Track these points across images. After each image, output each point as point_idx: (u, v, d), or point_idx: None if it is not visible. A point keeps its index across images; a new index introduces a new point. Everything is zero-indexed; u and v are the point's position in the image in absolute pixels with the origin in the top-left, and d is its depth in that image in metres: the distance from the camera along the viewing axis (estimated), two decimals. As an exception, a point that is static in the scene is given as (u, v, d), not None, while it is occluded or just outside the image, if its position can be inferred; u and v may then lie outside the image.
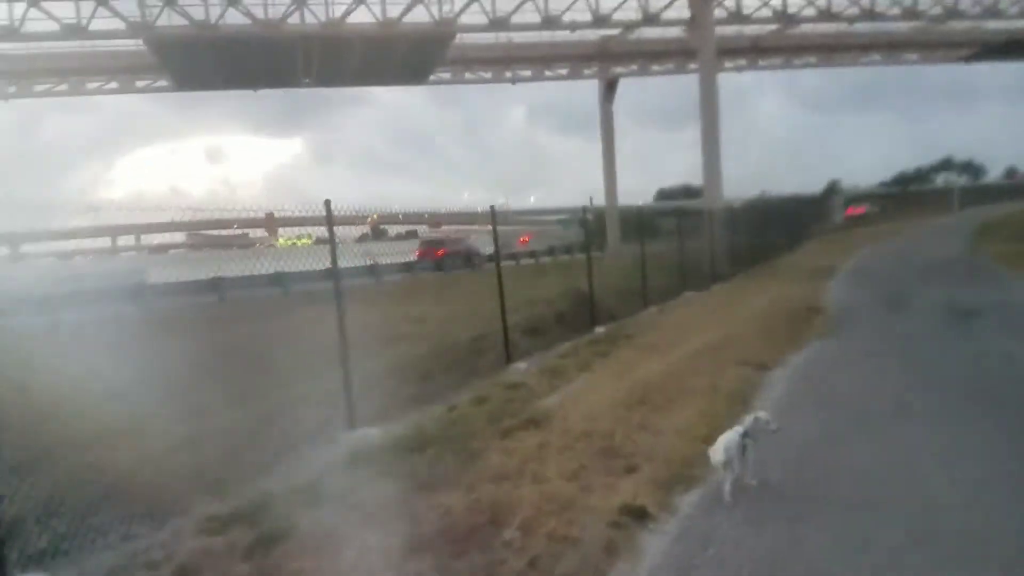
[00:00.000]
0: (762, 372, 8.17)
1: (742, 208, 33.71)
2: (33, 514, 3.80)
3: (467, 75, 32.51)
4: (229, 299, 19.78)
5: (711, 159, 24.30)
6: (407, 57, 25.86)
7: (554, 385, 7.88)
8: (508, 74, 32.61)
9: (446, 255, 27.11)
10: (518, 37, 28.88)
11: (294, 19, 24.07)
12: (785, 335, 10.57)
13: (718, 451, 4.34)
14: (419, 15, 23.50)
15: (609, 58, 31.60)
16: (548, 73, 33.31)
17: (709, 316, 13.29)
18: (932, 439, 5.47)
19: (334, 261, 6.33)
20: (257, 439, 5.50)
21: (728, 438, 4.43)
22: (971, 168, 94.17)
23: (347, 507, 4.11)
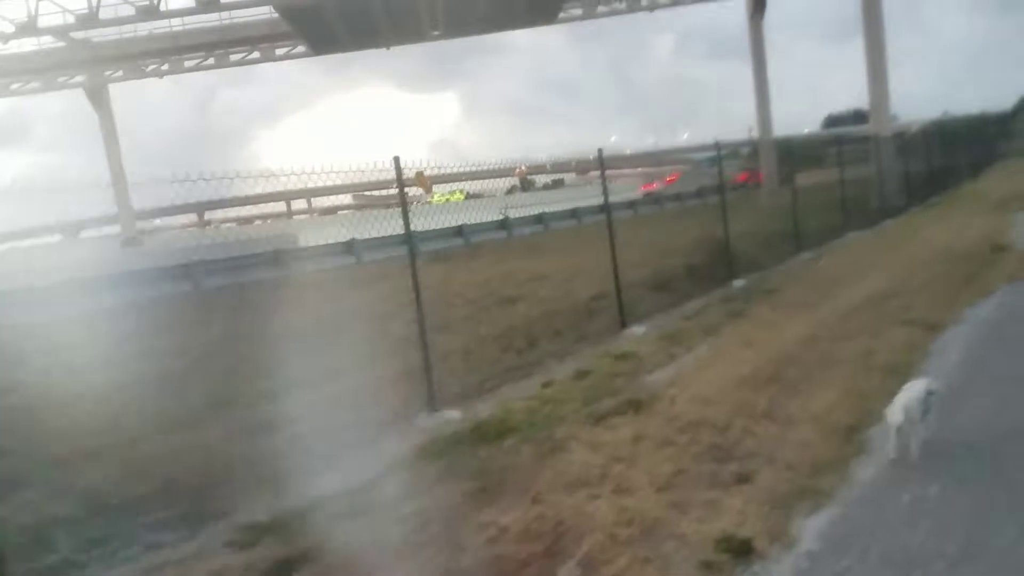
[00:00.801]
0: (932, 334, 6.69)
1: (919, 132, 29.72)
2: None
3: (600, 7, 30.52)
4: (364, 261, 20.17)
5: (877, 77, 21.13)
6: (535, -2, 24.70)
7: (671, 354, 6.90)
8: (644, 1, 30.26)
9: None
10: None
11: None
12: (964, 281, 8.81)
13: (896, 411, 3.91)
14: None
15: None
16: (679, -5, 30.56)
17: (872, 260, 11.50)
18: None
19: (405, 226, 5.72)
20: (332, 425, 5.12)
21: (909, 395, 3.98)
22: None
23: (390, 521, 3.57)
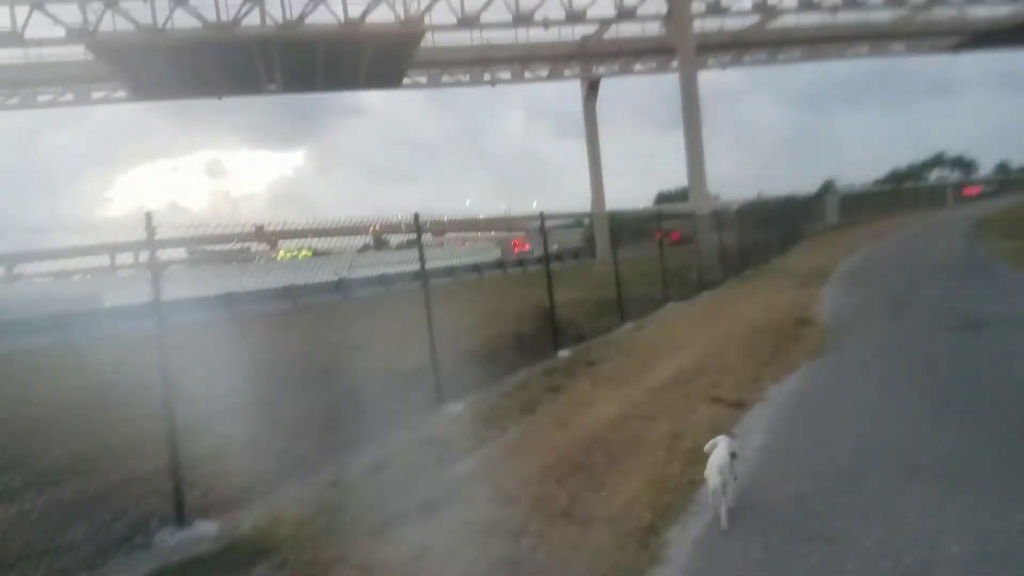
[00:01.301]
0: (738, 413, 6.72)
1: (736, 210, 32.43)
2: None
3: (444, 78, 31.00)
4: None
5: (695, 160, 22.83)
6: (376, 59, 24.39)
7: (481, 439, 6.42)
8: (487, 76, 31.14)
9: None
10: (497, 38, 27.57)
11: (252, 20, 22.69)
12: (770, 356, 9.14)
13: (713, 476, 4.20)
14: (383, 14, 22.12)
15: (588, 57, 30.01)
16: (528, 75, 31.76)
17: (689, 333, 11.85)
18: (957, 519, 3.99)
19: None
20: (43, 545, 4.05)
21: (720, 458, 4.31)
22: (963, 163, 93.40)
23: None
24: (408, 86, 30.38)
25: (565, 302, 14.76)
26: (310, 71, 25.68)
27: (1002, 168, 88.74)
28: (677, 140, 23.31)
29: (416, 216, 7.69)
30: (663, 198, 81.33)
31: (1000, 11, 31.35)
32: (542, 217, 10.82)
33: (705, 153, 23.34)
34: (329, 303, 22.08)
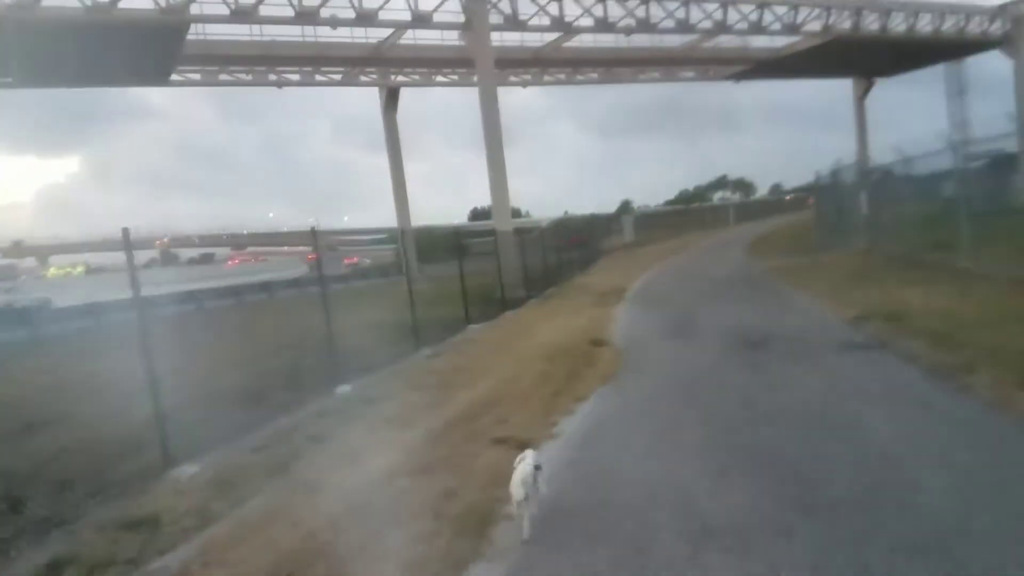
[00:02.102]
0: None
1: (541, 229, 32.90)
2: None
3: (223, 76, 28.12)
4: None
5: (497, 176, 22.52)
6: (135, 51, 21.31)
7: (206, 517, 5.02)
8: (272, 76, 28.79)
9: None
10: (284, 36, 25.48)
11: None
12: (564, 383, 8.54)
13: (517, 488, 4.27)
14: (142, 1, 19.29)
15: (386, 63, 28.79)
16: (320, 78, 29.88)
17: (484, 359, 11.06)
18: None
19: None
20: None
21: (524, 471, 4.33)
22: (743, 185, 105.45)
23: None
24: (178, 83, 27.25)
25: (355, 326, 13.46)
26: (57, 62, 21.93)
27: (776, 189, 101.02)
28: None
29: (126, 231, 6.01)
30: (477, 215, 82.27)
31: (778, 41, 34.84)
32: (314, 234, 9.44)
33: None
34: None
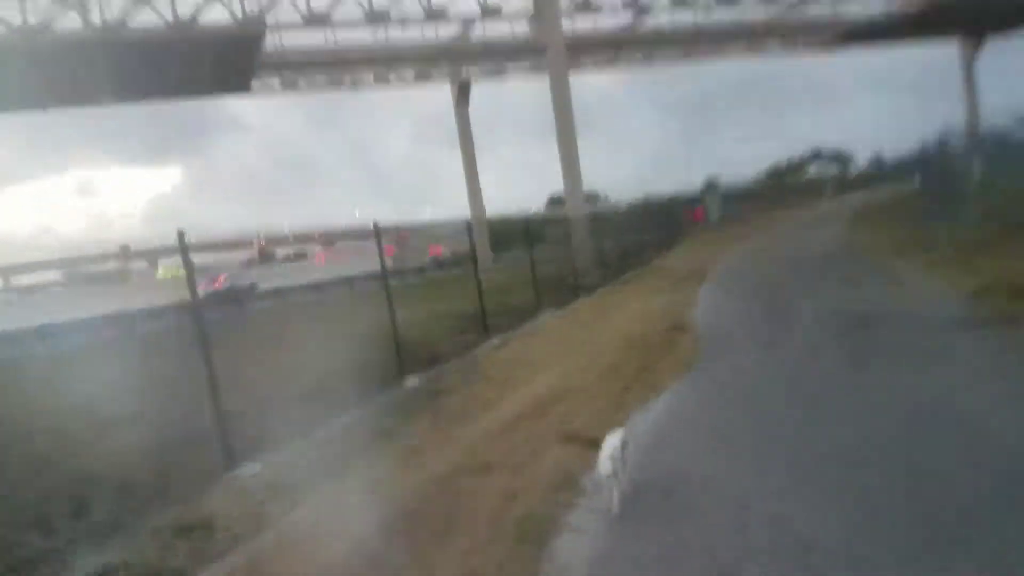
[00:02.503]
0: (591, 454, 5.45)
1: (617, 212, 32.10)
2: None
3: (300, 82, 28.78)
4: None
5: (569, 162, 21.99)
6: (217, 63, 22.05)
7: (260, 522, 4.88)
8: (347, 79, 29.19)
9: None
10: (356, 39, 25.71)
11: (70, 23, 19.91)
12: (637, 375, 8.04)
13: (605, 463, 4.33)
14: (218, 14, 19.89)
15: (456, 58, 28.65)
16: (392, 78, 30.13)
17: (555, 348, 10.68)
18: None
19: None
20: None
21: (611, 446, 4.42)
22: (840, 158, 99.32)
23: None
24: (260, 90, 28.03)
25: (423, 318, 13.38)
26: (146, 78, 22.97)
27: (876, 161, 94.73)
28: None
29: (181, 234, 5.97)
30: (554, 201, 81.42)
31: (873, 6, 32.47)
32: (377, 230, 9.30)
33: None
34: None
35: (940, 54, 43.11)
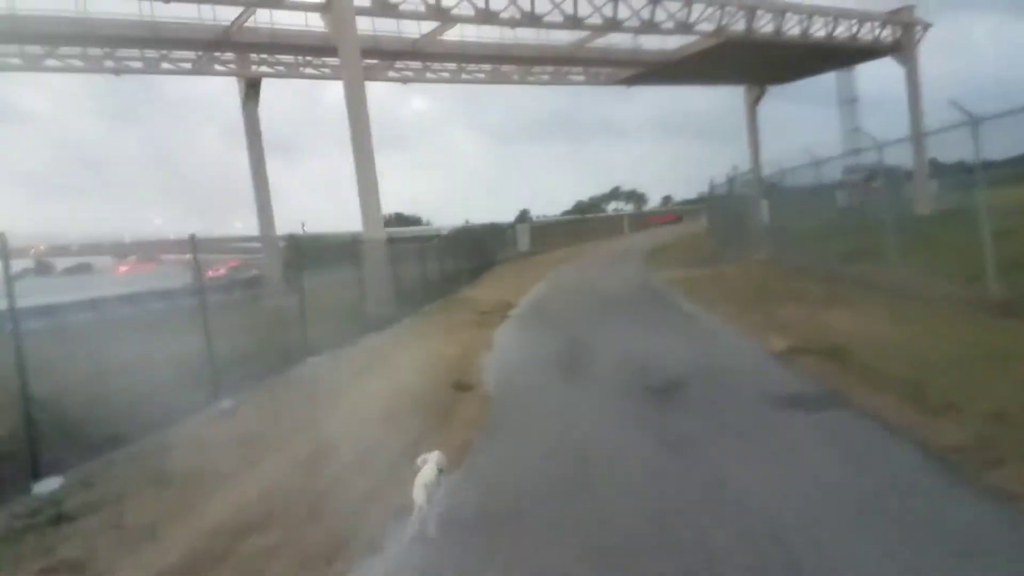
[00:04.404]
0: None
1: (428, 239, 30.00)
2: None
3: (49, 62, 23.07)
4: None
5: (365, 179, 19.30)
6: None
7: None
8: (109, 63, 24.24)
9: None
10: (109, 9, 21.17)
11: None
12: (391, 472, 5.65)
13: (419, 491, 4.41)
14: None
15: (241, 48, 24.82)
16: (167, 65, 25.56)
17: (303, 417, 7.95)
18: None
19: None
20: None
21: (426, 475, 4.50)
22: (635, 196, 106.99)
23: None
24: (6, 68, 22.35)
25: (135, 363, 10.09)
26: None
27: (666, 200, 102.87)
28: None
29: None
30: (404, 220, 78.51)
31: (670, 43, 33.09)
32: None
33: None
34: None
35: (729, 98, 46.22)
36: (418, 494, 4.39)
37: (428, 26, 25.40)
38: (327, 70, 28.21)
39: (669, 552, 3.91)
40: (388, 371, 10.31)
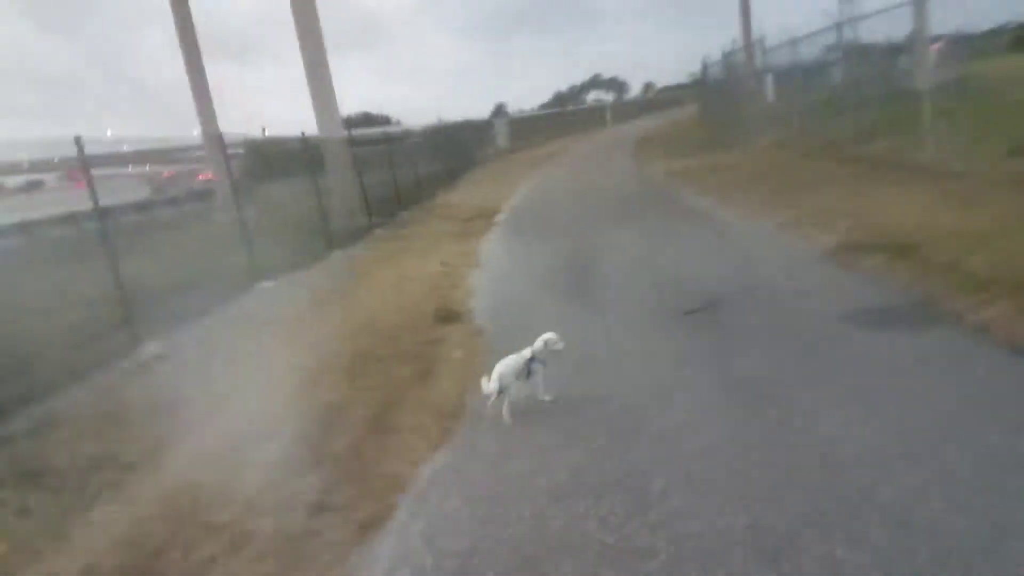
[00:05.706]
0: None
1: (397, 137, 27.39)
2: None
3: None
4: None
5: (317, 73, 16.69)
6: None
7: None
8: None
9: None
10: None
11: None
12: (373, 442, 3.99)
13: (492, 381, 4.26)
14: None
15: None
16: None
17: (238, 369, 6.16)
18: None
19: None
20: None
21: (507, 364, 4.32)
22: (616, 84, 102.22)
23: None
24: None
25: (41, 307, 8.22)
26: None
27: (647, 87, 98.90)
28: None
29: None
30: (354, 122, 74.24)
31: None
32: None
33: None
34: None
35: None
36: (488, 384, 4.30)
37: None
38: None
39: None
40: (350, 300, 8.49)
